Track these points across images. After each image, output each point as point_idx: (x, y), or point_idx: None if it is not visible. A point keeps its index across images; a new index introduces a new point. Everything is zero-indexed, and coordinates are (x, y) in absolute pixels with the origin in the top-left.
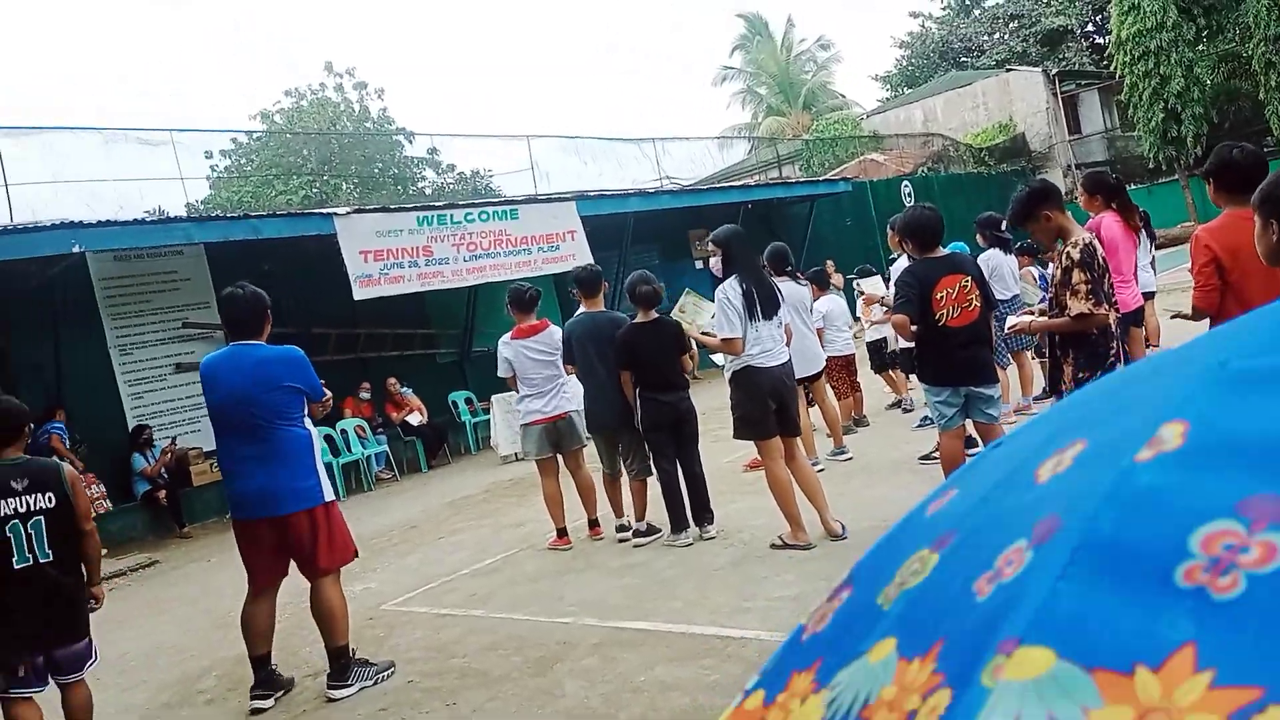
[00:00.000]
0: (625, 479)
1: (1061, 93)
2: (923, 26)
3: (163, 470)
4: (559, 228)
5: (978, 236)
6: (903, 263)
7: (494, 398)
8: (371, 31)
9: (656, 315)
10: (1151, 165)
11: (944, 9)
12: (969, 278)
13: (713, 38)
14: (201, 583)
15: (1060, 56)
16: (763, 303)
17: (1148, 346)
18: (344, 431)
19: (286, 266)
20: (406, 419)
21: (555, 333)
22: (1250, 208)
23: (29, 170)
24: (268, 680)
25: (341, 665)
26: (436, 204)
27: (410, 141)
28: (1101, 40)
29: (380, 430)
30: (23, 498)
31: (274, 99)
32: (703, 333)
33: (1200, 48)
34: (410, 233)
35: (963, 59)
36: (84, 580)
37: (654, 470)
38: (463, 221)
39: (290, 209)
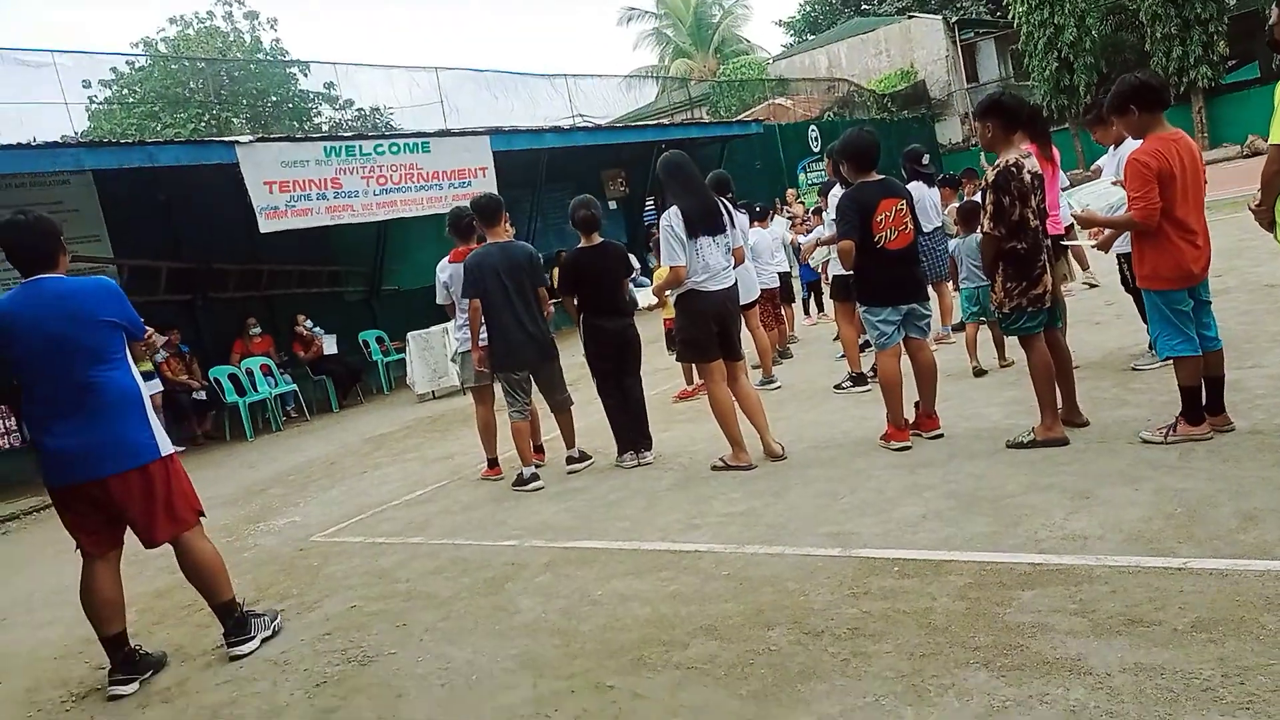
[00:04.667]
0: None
1: (960, 41)
2: None
3: None
4: (471, 163)
5: (902, 169)
6: (839, 190)
7: (409, 335)
8: None
9: (600, 239)
10: (1045, 114)
11: None
12: (903, 201)
13: None
14: None
15: (959, 5)
16: (703, 220)
17: (1084, 270)
18: (249, 371)
19: (184, 198)
20: (323, 350)
21: None
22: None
23: None
24: (127, 663)
25: (237, 620)
26: (345, 134)
27: (306, 74)
28: None
29: (285, 370)
30: None
31: (157, 26)
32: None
33: None
34: (318, 163)
35: (864, 5)
36: None
37: (589, 398)
38: (372, 154)
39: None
